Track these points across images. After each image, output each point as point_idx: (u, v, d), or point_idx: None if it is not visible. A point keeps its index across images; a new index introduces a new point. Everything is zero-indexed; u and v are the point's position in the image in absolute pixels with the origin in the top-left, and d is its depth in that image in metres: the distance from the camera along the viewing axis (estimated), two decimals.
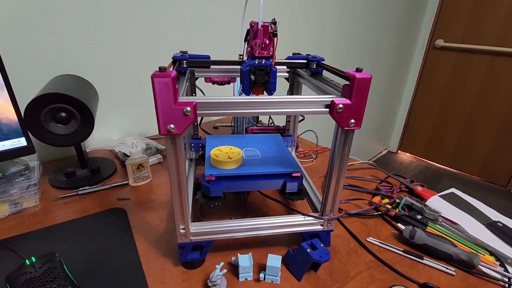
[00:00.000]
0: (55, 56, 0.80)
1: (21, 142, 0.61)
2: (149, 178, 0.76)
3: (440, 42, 2.36)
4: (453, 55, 2.34)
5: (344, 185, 0.71)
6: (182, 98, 0.37)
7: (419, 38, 2.47)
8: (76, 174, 0.75)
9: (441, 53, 2.40)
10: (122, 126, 1.00)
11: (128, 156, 0.80)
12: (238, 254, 0.48)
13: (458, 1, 2.22)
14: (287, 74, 0.66)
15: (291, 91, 0.68)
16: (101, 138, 0.95)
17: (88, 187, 0.70)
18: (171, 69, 0.41)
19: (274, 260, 0.47)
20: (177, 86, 0.37)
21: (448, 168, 2.63)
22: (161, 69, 0.35)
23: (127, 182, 0.73)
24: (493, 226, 0.62)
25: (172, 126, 0.37)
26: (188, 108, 0.36)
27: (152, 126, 1.07)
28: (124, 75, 0.94)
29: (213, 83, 0.60)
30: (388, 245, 0.56)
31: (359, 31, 1.81)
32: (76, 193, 0.68)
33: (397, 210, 0.63)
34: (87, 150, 0.88)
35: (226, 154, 0.53)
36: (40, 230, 0.57)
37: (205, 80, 0.60)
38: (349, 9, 1.65)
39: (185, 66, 0.52)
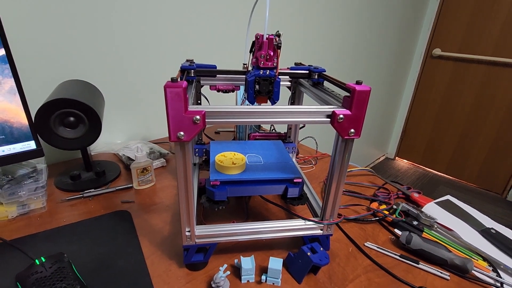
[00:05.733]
0: (64, 62, 0.82)
1: (31, 145, 0.63)
2: (152, 182, 0.77)
3: (437, 51, 2.40)
4: (450, 64, 2.38)
5: (343, 191, 0.73)
6: (192, 107, 0.39)
7: (416, 47, 2.51)
8: (82, 177, 0.76)
9: (438, 62, 2.44)
10: (126, 130, 1.02)
11: (132, 160, 0.82)
12: (241, 256, 0.50)
13: (456, 11, 2.27)
14: (289, 84, 0.68)
15: (292, 100, 0.70)
16: (106, 142, 0.96)
17: (93, 190, 0.71)
18: (179, 78, 0.43)
19: (275, 263, 0.48)
20: (187, 96, 0.39)
21: (445, 175, 2.66)
22: (173, 80, 0.37)
23: (131, 185, 0.75)
24: (486, 233, 0.64)
25: (182, 133, 0.39)
26: (198, 117, 0.38)
27: (155, 131, 1.09)
28: (129, 81, 0.97)
29: (218, 91, 0.63)
30: (385, 250, 0.58)
31: (359, 41, 1.85)
32: (81, 195, 0.69)
33: (394, 216, 0.65)
34: (92, 154, 0.90)
35: (230, 159, 0.55)
36: (47, 231, 0.59)
37: (210, 88, 0.63)
38: (350, 19, 1.69)
39: (192, 75, 0.54)
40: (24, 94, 0.60)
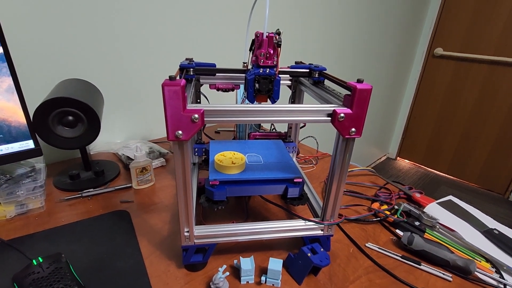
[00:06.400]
0: (62, 61, 0.82)
1: (29, 144, 0.63)
2: (152, 182, 0.77)
3: (439, 51, 2.39)
4: (452, 64, 2.37)
5: (343, 191, 0.73)
6: (190, 106, 0.39)
7: (418, 46, 2.50)
8: (81, 176, 0.76)
9: (440, 61, 2.43)
10: (126, 129, 1.02)
11: (132, 159, 0.81)
12: (240, 257, 0.49)
13: (457, 11, 2.26)
14: (290, 82, 0.67)
15: (293, 99, 0.70)
16: (105, 141, 0.96)
17: (92, 190, 0.71)
18: (178, 77, 0.43)
19: (275, 264, 0.48)
20: (185, 94, 0.38)
21: (446, 175, 2.64)
22: (171, 78, 0.37)
23: (130, 185, 0.74)
24: (489, 233, 0.63)
25: (180, 132, 0.38)
26: (196, 115, 0.38)
27: (155, 130, 1.09)
28: (128, 80, 0.96)
29: (218, 90, 0.62)
30: (386, 251, 0.57)
31: (361, 40, 1.84)
32: (80, 195, 0.69)
33: (396, 216, 0.65)
34: (91, 153, 0.90)
35: (229, 159, 0.55)
36: (46, 231, 0.58)
37: (209, 87, 0.62)
38: (351, 17, 1.68)
39: (191, 73, 0.53)
40: (22, 93, 0.59)
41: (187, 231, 0.47)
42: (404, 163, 2.88)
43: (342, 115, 0.42)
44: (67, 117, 0.64)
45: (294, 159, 0.76)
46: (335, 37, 1.66)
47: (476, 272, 0.52)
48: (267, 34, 0.47)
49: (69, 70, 0.84)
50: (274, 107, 0.42)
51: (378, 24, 1.91)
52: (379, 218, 0.66)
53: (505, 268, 0.54)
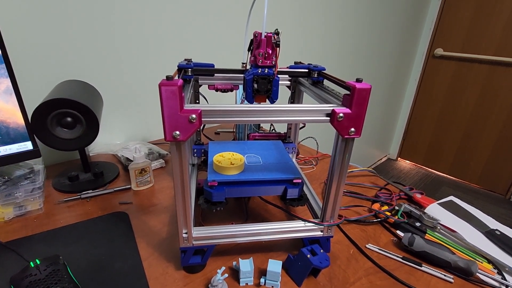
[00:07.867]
0: (61, 62, 0.82)
1: (27, 146, 0.62)
2: (151, 183, 0.76)
3: (439, 51, 2.39)
4: (452, 64, 2.37)
5: (344, 191, 0.72)
6: (188, 106, 0.38)
7: (418, 47, 2.50)
8: (80, 178, 0.76)
9: (440, 62, 2.43)
10: (125, 131, 1.02)
11: (131, 161, 0.81)
12: (239, 259, 0.49)
13: (457, 11, 2.26)
14: (289, 83, 0.67)
15: (292, 99, 0.69)
16: (104, 143, 0.96)
17: (91, 191, 0.70)
18: (176, 77, 0.43)
19: (274, 265, 0.47)
20: (183, 94, 0.38)
21: (447, 176, 2.63)
22: (168, 78, 0.36)
23: (129, 186, 0.74)
24: (491, 234, 0.63)
25: (177, 132, 0.38)
26: (194, 116, 0.37)
27: (154, 131, 1.09)
28: (127, 81, 0.96)
29: (217, 90, 0.62)
30: (387, 252, 0.57)
31: (360, 40, 1.84)
32: (79, 196, 0.69)
33: (396, 217, 0.64)
34: (90, 154, 0.89)
35: (228, 160, 0.54)
36: (44, 233, 0.58)
37: (208, 88, 0.62)
38: (351, 17, 1.68)
39: (190, 74, 0.53)
40: (20, 94, 0.59)
41: (186, 233, 0.47)
42: (405, 163, 2.87)
43: (341, 115, 0.41)
44: (66, 118, 0.64)
45: (293, 159, 0.76)
46: (334, 38, 1.66)
47: (477, 273, 0.52)
48: (265, 34, 0.46)
49: (68, 71, 0.84)
50: (272, 107, 0.41)
51: (378, 25, 1.91)
52: (379, 219, 0.66)
53: (507, 269, 0.53)
